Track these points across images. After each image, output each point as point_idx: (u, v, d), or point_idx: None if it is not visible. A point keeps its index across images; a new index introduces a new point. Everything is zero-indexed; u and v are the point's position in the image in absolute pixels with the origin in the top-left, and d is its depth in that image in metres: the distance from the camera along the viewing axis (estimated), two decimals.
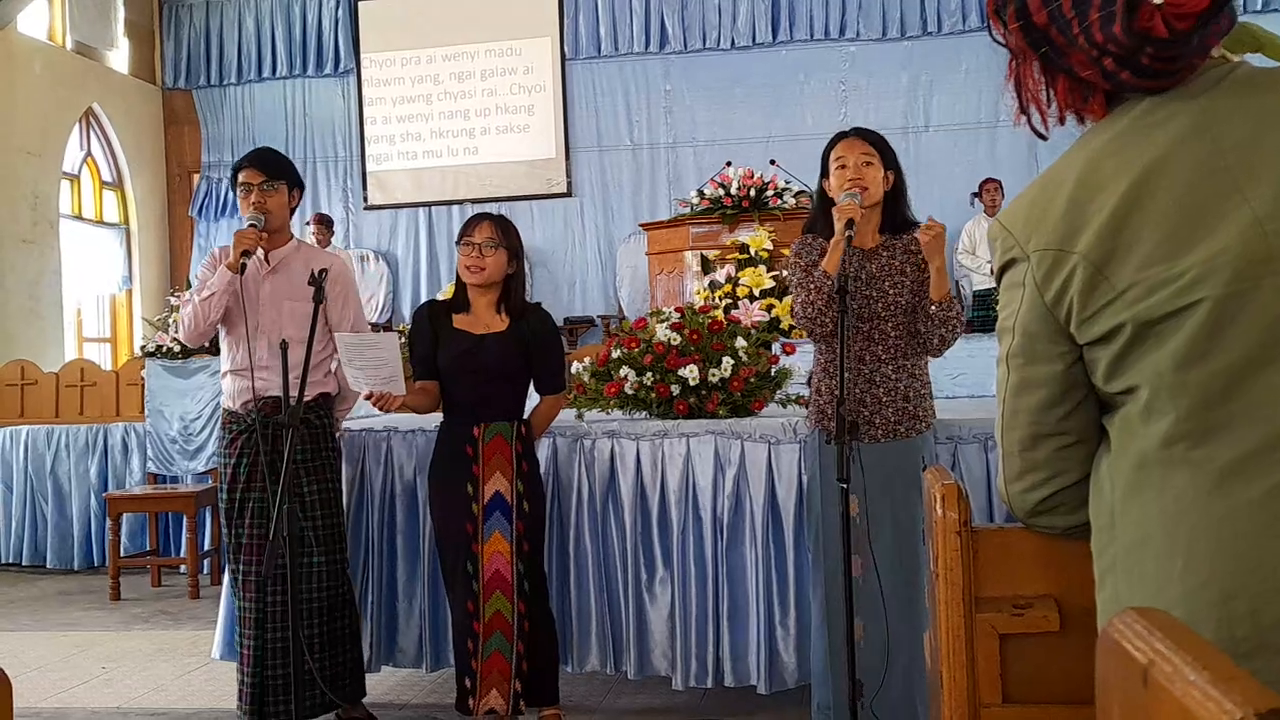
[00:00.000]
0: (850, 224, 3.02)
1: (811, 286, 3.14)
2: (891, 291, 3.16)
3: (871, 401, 3.18)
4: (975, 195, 9.09)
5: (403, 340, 3.67)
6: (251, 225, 3.54)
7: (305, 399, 3.57)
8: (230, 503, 3.60)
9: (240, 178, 3.65)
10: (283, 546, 3.19)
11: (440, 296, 8.14)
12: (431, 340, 3.49)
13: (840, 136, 3.27)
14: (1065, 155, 1.33)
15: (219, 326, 3.66)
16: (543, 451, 3.73)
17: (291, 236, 3.76)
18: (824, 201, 3.25)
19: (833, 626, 3.26)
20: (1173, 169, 1.22)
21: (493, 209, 10.25)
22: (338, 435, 3.81)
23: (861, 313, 3.16)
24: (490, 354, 3.41)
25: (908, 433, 3.19)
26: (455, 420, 3.48)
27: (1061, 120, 1.35)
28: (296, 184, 3.75)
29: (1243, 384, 1.19)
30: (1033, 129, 1.37)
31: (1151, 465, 1.24)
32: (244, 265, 3.50)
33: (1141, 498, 1.25)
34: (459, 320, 3.49)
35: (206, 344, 3.89)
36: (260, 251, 3.61)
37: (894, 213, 3.26)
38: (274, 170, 3.66)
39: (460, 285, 3.53)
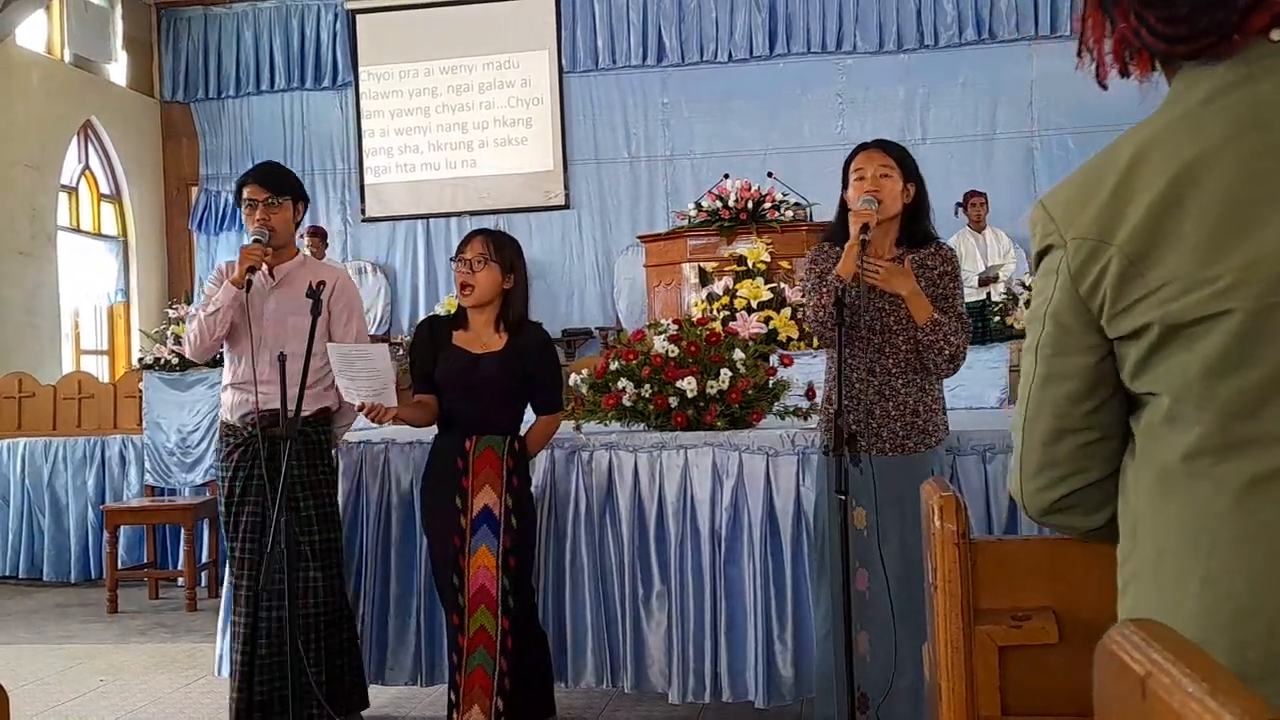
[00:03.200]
0: (865, 228, 3.02)
1: (824, 291, 3.14)
2: (903, 306, 3.16)
3: (881, 415, 3.17)
4: (960, 206, 9.03)
5: (401, 352, 3.67)
6: (256, 241, 3.54)
7: (305, 413, 3.57)
8: (227, 517, 3.60)
9: (245, 194, 3.64)
10: (280, 559, 3.19)
11: (439, 309, 8.18)
12: (431, 356, 3.47)
13: (862, 148, 3.28)
14: (1117, 140, 1.27)
15: (223, 340, 3.66)
16: (540, 462, 3.72)
17: (297, 251, 3.77)
18: (844, 213, 3.24)
19: (837, 639, 3.26)
20: (1222, 165, 1.16)
21: (490, 221, 10.26)
22: (335, 450, 3.80)
23: (873, 325, 3.15)
24: (485, 373, 3.40)
25: (916, 447, 3.18)
26: (449, 434, 3.47)
27: (1123, 73, 1.30)
28: (301, 198, 3.75)
29: (1273, 401, 1.15)
30: (1097, 78, 1.32)
31: (1175, 477, 1.21)
32: (249, 282, 3.49)
33: (1164, 509, 1.22)
34: (459, 337, 3.47)
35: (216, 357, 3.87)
36: (264, 266, 3.61)
37: (913, 226, 3.25)
38: (279, 186, 3.66)
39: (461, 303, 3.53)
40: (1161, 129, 1.22)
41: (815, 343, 3.67)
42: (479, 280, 3.40)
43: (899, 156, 3.23)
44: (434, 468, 3.50)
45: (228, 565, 3.67)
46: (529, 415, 3.58)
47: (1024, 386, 1.34)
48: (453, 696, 3.35)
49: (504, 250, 3.45)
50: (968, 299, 9.02)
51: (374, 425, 3.54)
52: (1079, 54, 1.31)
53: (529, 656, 3.43)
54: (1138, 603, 1.24)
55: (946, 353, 3.13)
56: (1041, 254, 1.29)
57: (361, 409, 3.34)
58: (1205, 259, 1.15)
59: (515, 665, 3.35)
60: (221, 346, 3.70)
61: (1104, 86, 1.32)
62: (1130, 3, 1.22)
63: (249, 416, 3.56)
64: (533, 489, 3.60)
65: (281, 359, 3.35)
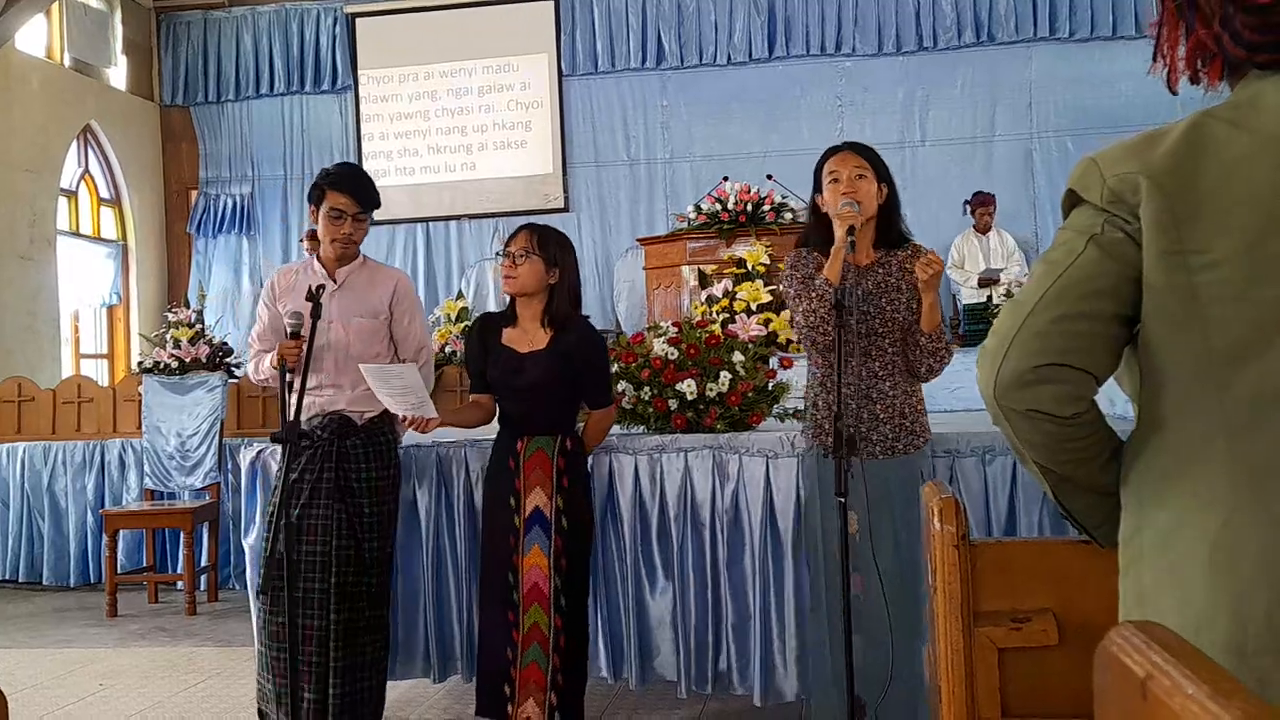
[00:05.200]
0: (851, 230, 3.03)
1: (814, 295, 3.13)
2: (888, 308, 3.15)
3: (869, 418, 3.17)
4: (967, 204, 9.00)
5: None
6: (294, 334, 3.44)
7: (370, 414, 3.60)
8: (285, 518, 3.58)
9: (331, 200, 3.58)
10: (281, 564, 3.20)
11: (438, 312, 8.18)
12: (482, 355, 3.50)
13: (833, 150, 3.27)
14: (1181, 119, 1.28)
15: None
16: None
17: (358, 253, 3.73)
18: (817, 216, 3.24)
19: (834, 644, 3.26)
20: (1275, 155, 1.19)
21: (489, 225, 10.28)
22: (400, 447, 3.80)
23: (858, 329, 3.15)
24: (531, 372, 3.41)
25: (906, 449, 3.18)
26: (503, 434, 3.51)
27: (1193, 80, 1.30)
28: (377, 207, 3.73)
29: None
30: (1168, 83, 1.33)
31: (1189, 456, 1.23)
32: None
33: (1175, 487, 1.24)
34: (507, 335, 3.48)
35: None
36: (322, 269, 3.63)
37: (888, 227, 3.25)
38: (369, 201, 3.64)
39: (512, 298, 3.53)
40: (1226, 111, 1.23)
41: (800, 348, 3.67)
42: (521, 273, 3.41)
43: (871, 158, 3.23)
44: (492, 467, 3.54)
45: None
46: None
47: (1046, 276, 1.30)
48: (507, 689, 3.37)
49: (549, 245, 3.44)
50: (969, 300, 9.08)
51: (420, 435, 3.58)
52: (1154, 59, 1.32)
53: (577, 658, 3.44)
54: (1141, 579, 1.26)
55: (946, 362, 3.15)
56: (1076, 197, 1.30)
57: (403, 420, 3.39)
58: (1244, 243, 1.17)
59: (568, 662, 3.37)
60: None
61: (1174, 92, 1.33)
62: (1217, 9, 1.23)
63: (316, 419, 3.56)
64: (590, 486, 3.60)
65: (282, 366, 3.35)
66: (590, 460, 3.70)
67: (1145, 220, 1.22)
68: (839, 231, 3.04)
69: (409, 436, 3.95)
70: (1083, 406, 1.31)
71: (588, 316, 3.58)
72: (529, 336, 3.46)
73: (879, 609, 3.05)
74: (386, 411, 3.64)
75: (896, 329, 3.16)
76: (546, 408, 3.45)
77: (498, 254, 3.54)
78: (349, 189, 3.60)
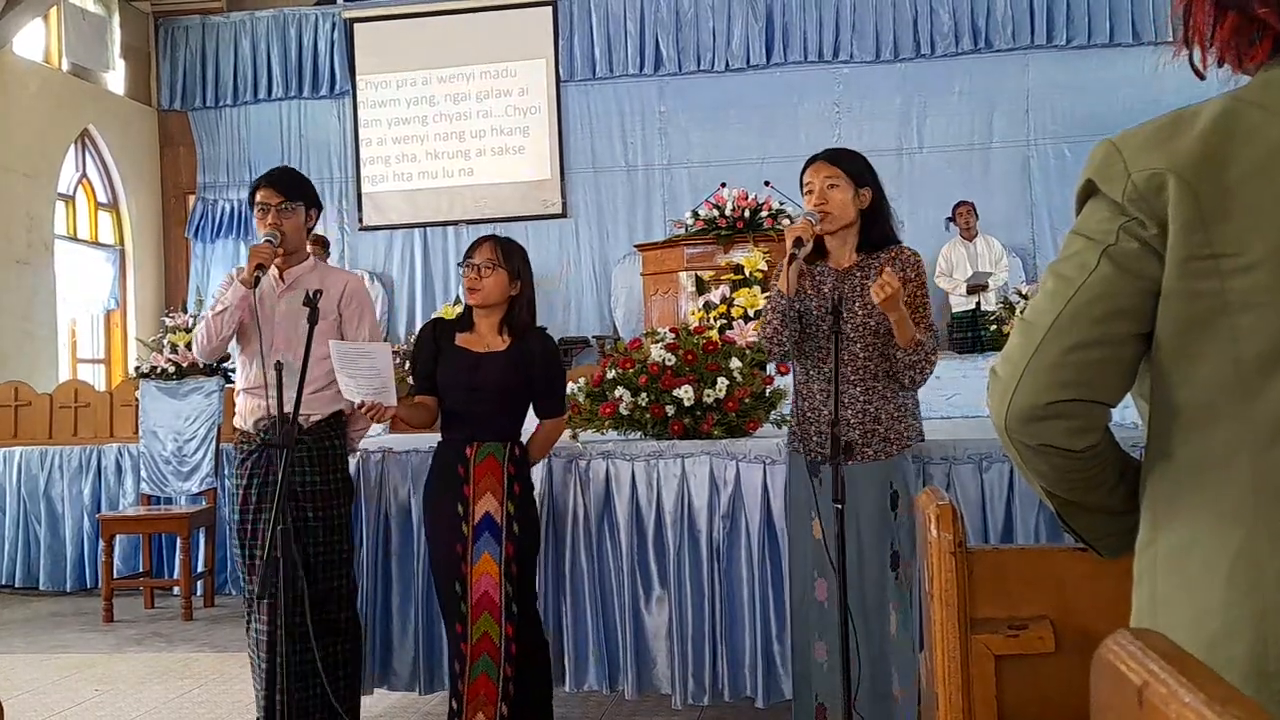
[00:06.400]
0: (798, 242, 3.02)
1: (768, 307, 3.16)
2: (860, 313, 3.13)
3: (840, 424, 3.16)
4: (949, 220, 9.06)
5: (399, 360, 3.66)
6: (268, 241, 3.53)
7: (316, 417, 3.58)
8: (243, 524, 3.58)
9: (258, 197, 3.63)
10: (275, 569, 3.19)
11: (435, 315, 8.17)
12: (433, 356, 3.49)
13: (810, 161, 3.28)
14: (1208, 100, 1.20)
15: (235, 344, 3.65)
16: (538, 472, 3.71)
17: (308, 255, 3.75)
18: None
19: (796, 648, 3.25)
20: None
21: (488, 230, 10.28)
22: (354, 456, 3.79)
23: (830, 335, 3.14)
24: (487, 373, 3.40)
25: (876, 455, 3.14)
26: (449, 439, 3.47)
27: (1220, 62, 1.23)
28: (314, 204, 3.74)
29: None
30: (1192, 66, 1.26)
31: (1212, 466, 1.18)
32: (258, 279, 3.46)
33: (1195, 498, 1.19)
34: (461, 338, 3.48)
35: (214, 363, 3.88)
36: (275, 270, 3.61)
37: (870, 232, 3.23)
38: (292, 191, 3.65)
39: (468, 305, 3.54)
40: (1256, 94, 1.17)
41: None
42: (486, 285, 3.42)
43: (844, 165, 3.21)
44: (435, 474, 3.49)
45: (244, 573, 3.64)
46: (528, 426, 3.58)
47: (1055, 296, 1.24)
48: (454, 705, 3.34)
49: (512, 257, 3.48)
50: (958, 308, 9.06)
51: (376, 425, 3.56)
52: (1185, 42, 1.24)
53: (531, 665, 3.43)
54: (1156, 591, 1.22)
55: (927, 372, 3.11)
56: (1094, 187, 1.23)
57: (360, 407, 3.36)
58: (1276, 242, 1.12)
59: (519, 673, 3.35)
60: (230, 349, 3.69)
61: (1202, 76, 1.26)
62: None
63: (262, 422, 3.55)
64: (535, 495, 3.60)
65: (278, 367, 3.35)
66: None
67: (1173, 224, 1.16)
68: (787, 244, 3.04)
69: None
70: (1095, 439, 1.27)
71: (544, 328, 3.60)
72: (485, 340, 3.46)
73: (838, 615, 3.03)
74: (336, 415, 3.64)
75: (869, 333, 3.13)
76: (499, 410, 3.43)
77: (459, 264, 3.54)
78: (268, 181, 3.66)
